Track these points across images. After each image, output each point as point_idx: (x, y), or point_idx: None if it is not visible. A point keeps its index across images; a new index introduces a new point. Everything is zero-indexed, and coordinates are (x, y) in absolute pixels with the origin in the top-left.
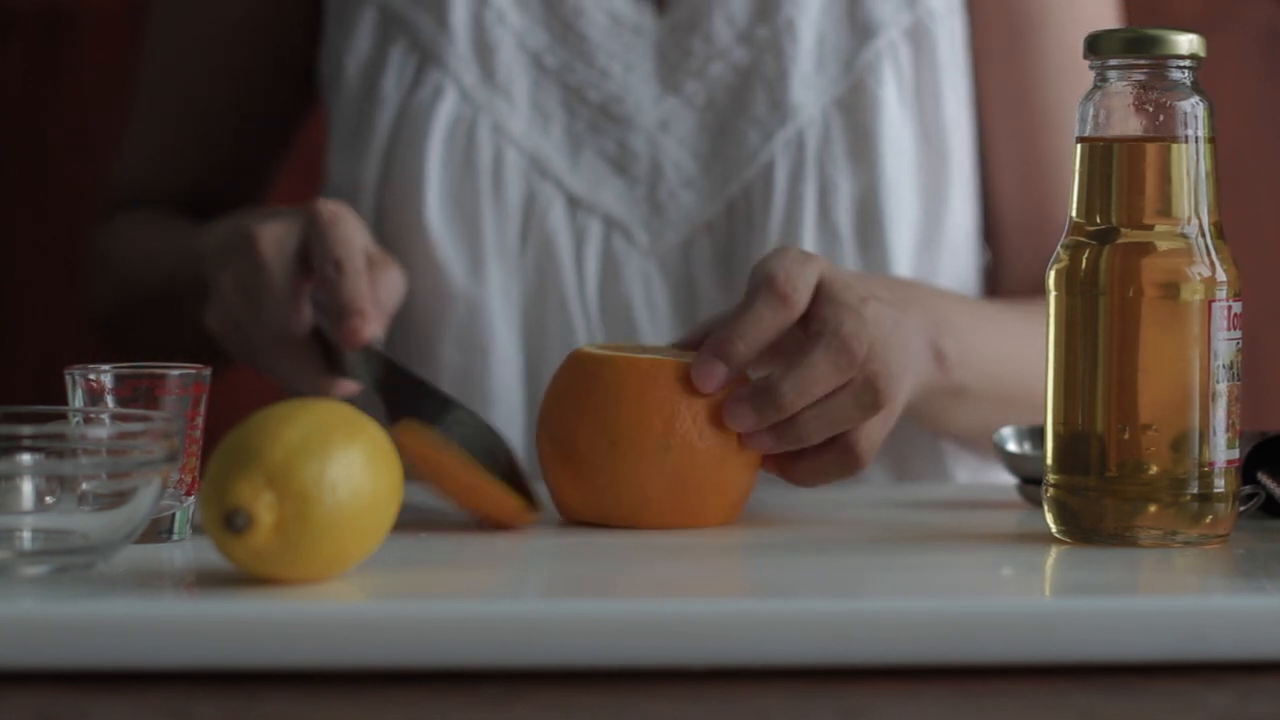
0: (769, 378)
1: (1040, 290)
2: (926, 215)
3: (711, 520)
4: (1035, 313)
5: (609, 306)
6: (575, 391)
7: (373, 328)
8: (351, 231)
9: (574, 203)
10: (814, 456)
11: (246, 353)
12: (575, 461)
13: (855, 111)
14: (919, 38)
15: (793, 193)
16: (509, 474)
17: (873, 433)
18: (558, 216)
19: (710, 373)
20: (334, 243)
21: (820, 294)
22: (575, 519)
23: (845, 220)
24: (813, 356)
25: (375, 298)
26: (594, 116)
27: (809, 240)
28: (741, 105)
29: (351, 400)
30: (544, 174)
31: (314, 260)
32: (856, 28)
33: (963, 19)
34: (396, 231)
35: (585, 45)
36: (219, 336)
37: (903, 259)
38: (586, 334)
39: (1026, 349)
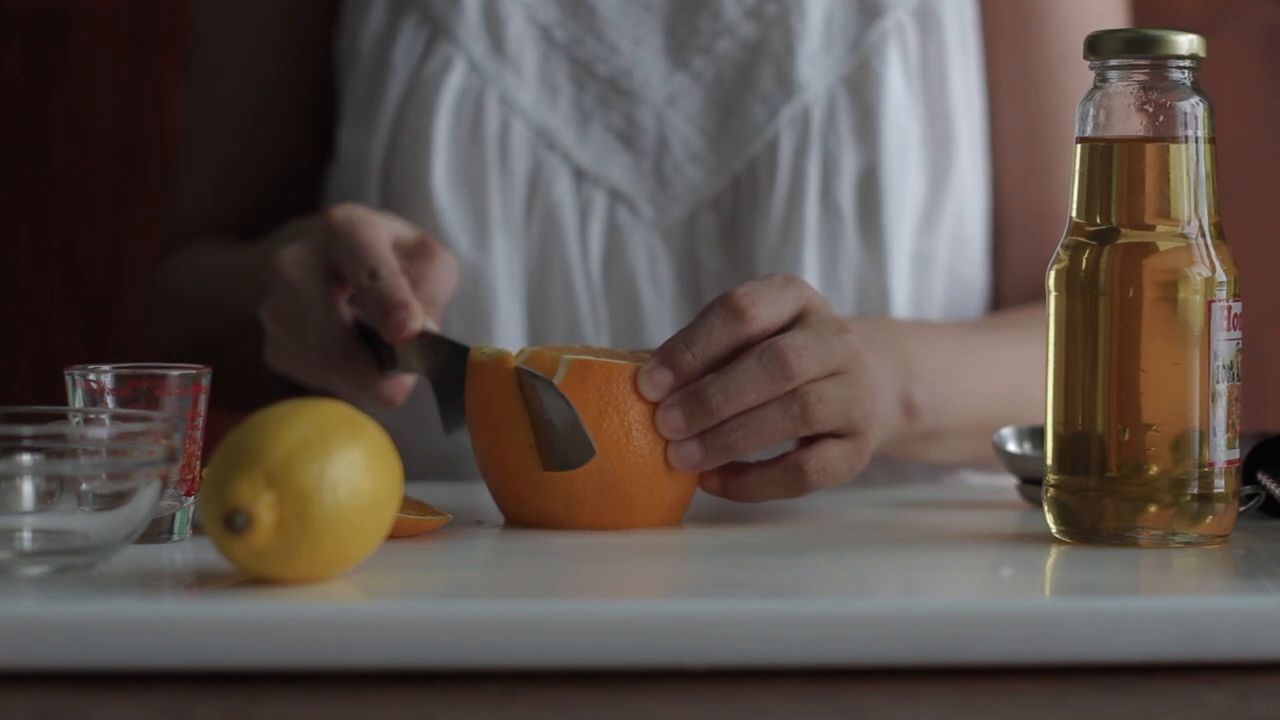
0: (700, 382)
1: (1037, 283)
2: (929, 195)
3: (646, 522)
4: (1023, 330)
5: (613, 279)
6: (506, 392)
7: (417, 319)
8: (373, 235)
9: (580, 175)
10: (760, 469)
11: (311, 379)
12: (507, 464)
13: (860, 90)
14: (926, 19)
15: (796, 168)
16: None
17: (828, 458)
18: (563, 188)
19: (656, 380)
20: (360, 251)
21: (797, 319)
22: (514, 521)
23: (848, 197)
24: (745, 363)
25: (427, 290)
26: (602, 90)
27: (811, 217)
28: (748, 81)
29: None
30: (551, 146)
31: (346, 273)
32: (864, 7)
33: (973, 3)
34: (403, 200)
35: (595, 20)
36: (283, 372)
37: (903, 238)
38: (590, 306)
39: (1009, 379)
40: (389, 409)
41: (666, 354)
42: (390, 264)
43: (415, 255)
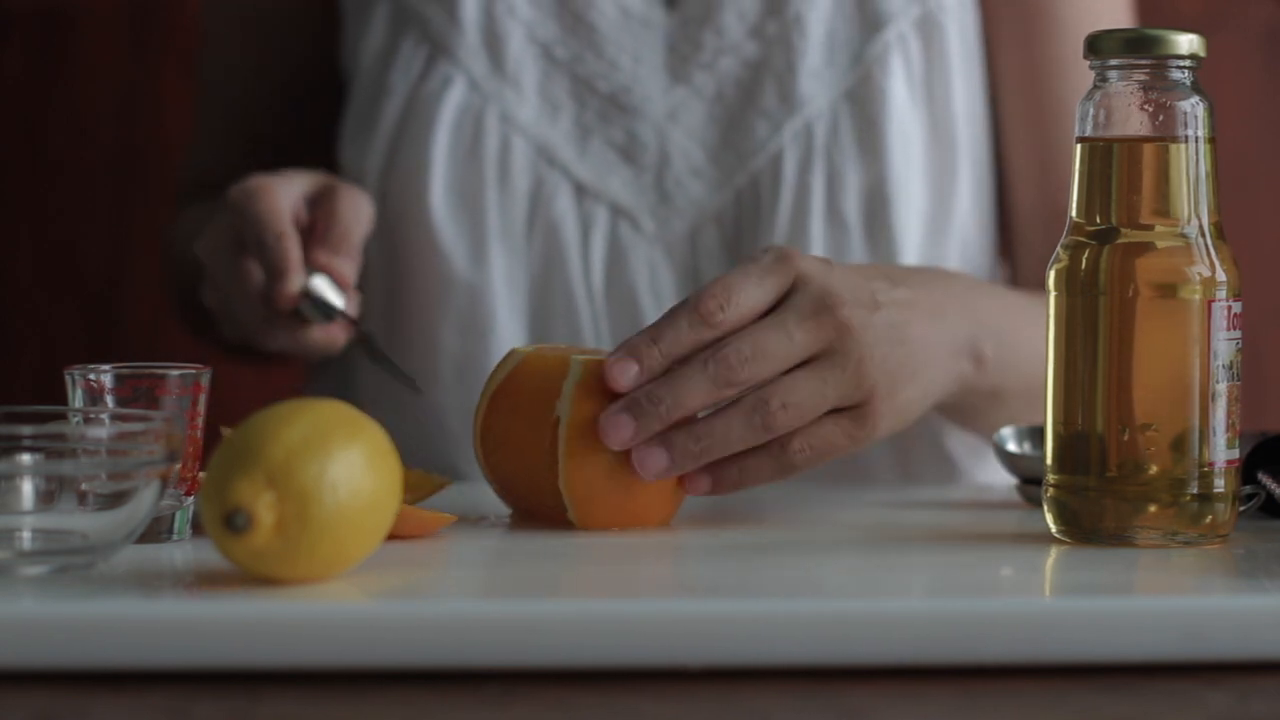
0: (647, 387)
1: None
2: (935, 205)
3: (646, 522)
4: None
5: (614, 294)
6: (493, 391)
7: (293, 282)
8: (265, 203)
9: (581, 191)
10: (743, 457)
11: (259, 344)
12: (493, 461)
13: (864, 103)
14: (928, 30)
15: (801, 183)
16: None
17: (818, 434)
18: (564, 204)
19: (622, 370)
20: (252, 223)
21: (781, 300)
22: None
23: (853, 210)
24: (689, 369)
25: (336, 228)
26: (603, 106)
27: (817, 229)
28: (750, 98)
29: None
30: (551, 162)
31: (248, 245)
32: (865, 20)
33: (975, 10)
34: (400, 218)
35: (595, 37)
36: (237, 340)
37: (910, 248)
38: (591, 321)
39: None
40: (332, 352)
41: (633, 347)
42: (276, 228)
43: (324, 200)
